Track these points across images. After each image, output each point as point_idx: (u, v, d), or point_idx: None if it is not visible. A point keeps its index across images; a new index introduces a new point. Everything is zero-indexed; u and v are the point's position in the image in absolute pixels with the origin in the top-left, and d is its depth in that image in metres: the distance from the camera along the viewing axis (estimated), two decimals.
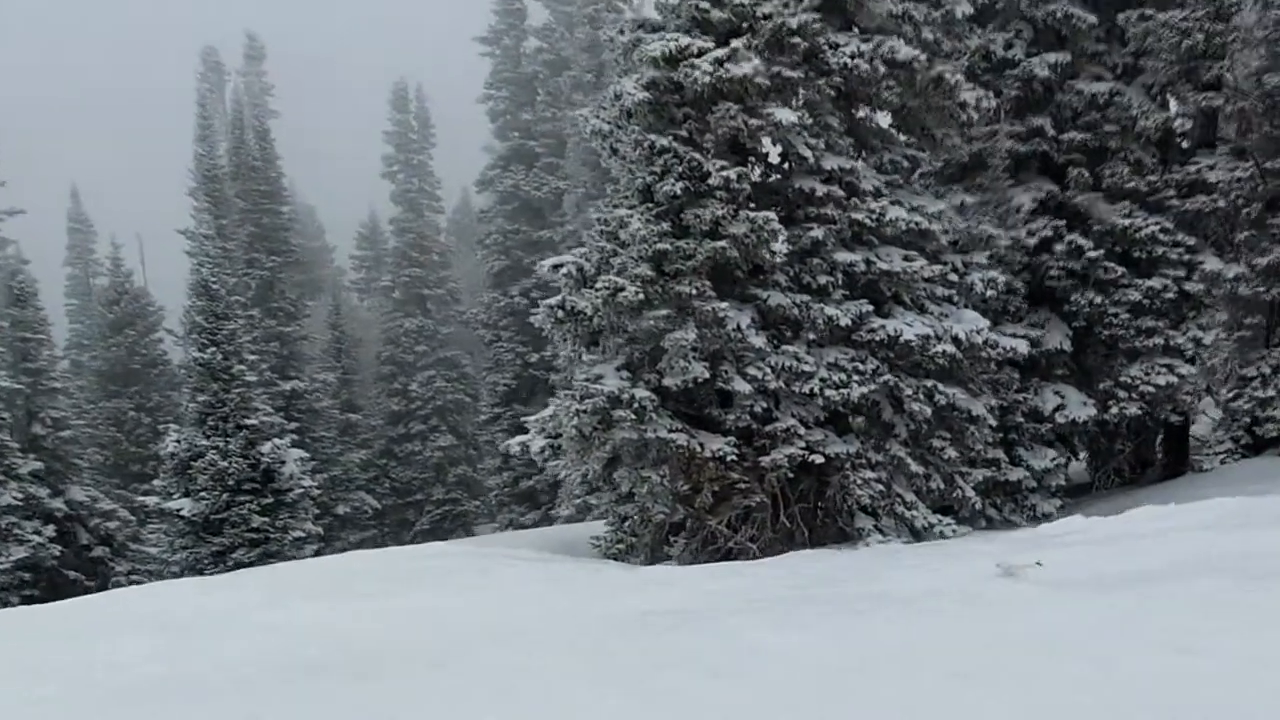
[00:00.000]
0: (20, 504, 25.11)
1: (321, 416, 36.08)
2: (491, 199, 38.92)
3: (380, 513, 37.66)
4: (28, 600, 24.05)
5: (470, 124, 43.80)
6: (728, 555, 13.74)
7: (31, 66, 78.97)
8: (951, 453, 13.82)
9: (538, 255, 35.68)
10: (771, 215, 13.02)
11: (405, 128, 43.46)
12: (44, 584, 25.05)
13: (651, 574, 10.07)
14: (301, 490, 27.13)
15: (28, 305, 28.69)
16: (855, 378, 13.30)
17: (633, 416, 13.03)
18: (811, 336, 13.48)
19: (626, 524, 14.33)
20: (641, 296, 12.88)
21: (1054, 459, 15.44)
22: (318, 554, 29.81)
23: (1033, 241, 16.35)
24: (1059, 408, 15.75)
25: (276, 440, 26.12)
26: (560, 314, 13.54)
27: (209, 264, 25.76)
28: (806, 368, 13.25)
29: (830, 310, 13.35)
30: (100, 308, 40.04)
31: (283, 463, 26.37)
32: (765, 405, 13.51)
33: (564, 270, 13.98)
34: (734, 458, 13.27)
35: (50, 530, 25.48)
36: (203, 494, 24.41)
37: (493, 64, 38.47)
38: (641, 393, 13.19)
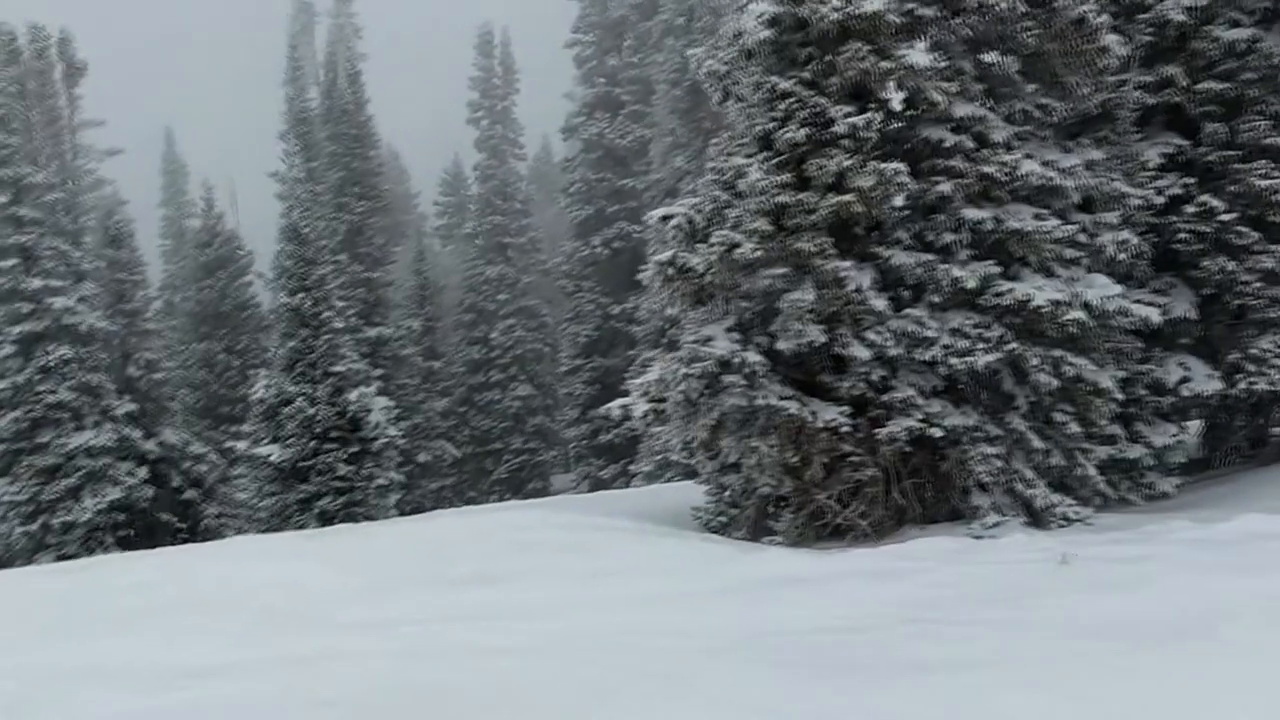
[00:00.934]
0: (115, 445, 25.61)
1: (405, 364, 36.19)
2: (575, 147, 38.23)
3: (459, 461, 37.84)
4: (122, 541, 24.63)
5: (554, 71, 43.04)
6: (836, 531, 13.06)
7: (126, 8, 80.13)
8: (1074, 428, 12.83)
9: (621, 205, 35.08)
10: (902, 167, 12.07)
11: (489, 73, 42.84)
12: (138, 525, 25.60)
13: (789, 566, 9.30)
14: (387, 439, 27.18)
15: (123, 246, 29.04)
16: (980, 345, 12.36)
17: (743, 382, 12.34)
18: (935, 300, 12.55)
19: (727, 494, 13.70)
20: (759, 254, 12.10)
21: (1175, 435, 14.31)
22: (399, 503, 30.03)
23: (1160, 201, 15.03)
24: (1183, 380, 14.56)
25: (363, 388, 26.11)
26: (670, 271, 12.83)
27: (299, 208, 25.68)
28: (929, 333, 12.36)
29: (956, 271, 12.40)
30: (192, 250, 40.65)
31: (368, 411, 26.39)
32: (882, 373, 12.68)
33: (674, 222, 13.24)
34: (847, 428, 12.51)
35: (143, 472, 25.98)
36: (290, 440, 24.56)
37: (580, 8, 37.53)
38: (753, 356, 12.48)
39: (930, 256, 12.63)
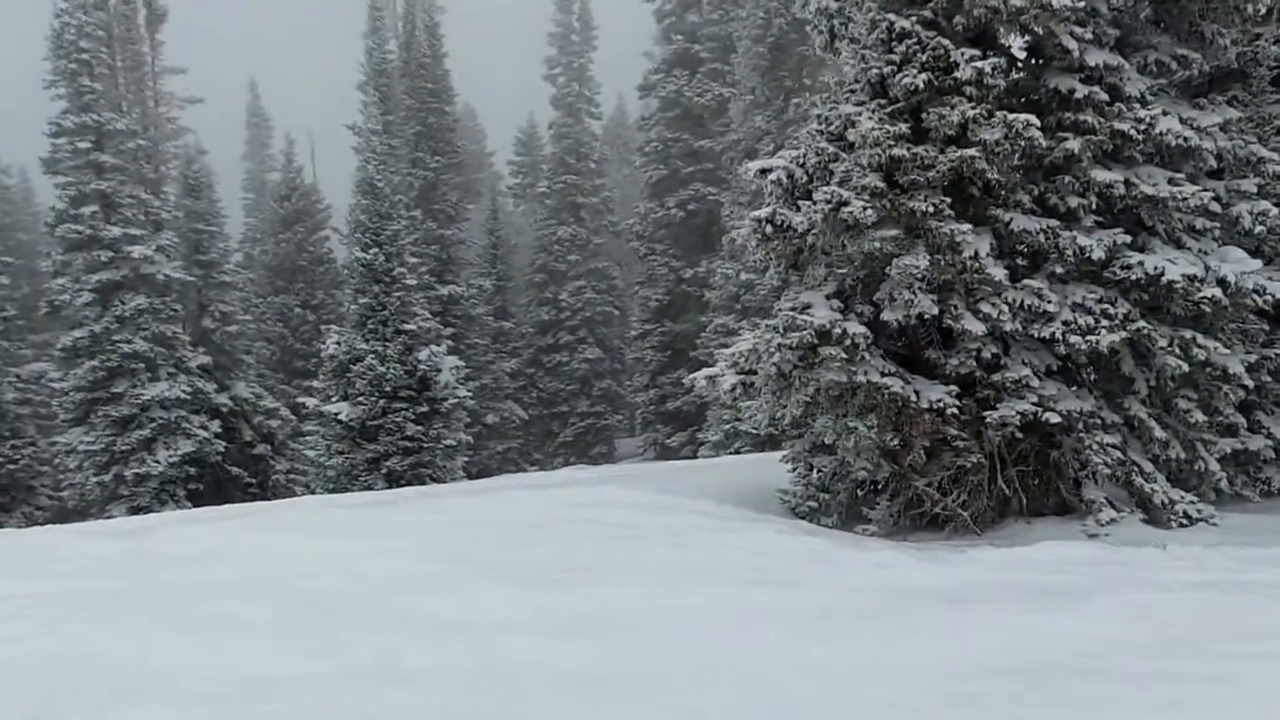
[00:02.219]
0: (188, 398, 25.68)
1: (476, 323, 35.86)
2: (652, 105, 37.20)
3: (526, 423, 37.52)
4: (193, 495, 24.73)
5: (632, 28, 41.87)
6: (934, 521, 12.12)
7: None
8: (1198, 416, 11.64)
9: (697, 166, 34.03)
10: (1033, 119, 10.93)
11: (568, 29, 41.92)
12: (208, 479, 25.69)
13: (913, 574, 8.28)
14: (455, 400, 26.84)
15: (201, 196, 29.02)
16: (1104, 322, 11.22)
17: (843, 355, 11.39)
18: (1056, 270, 11.42)
19: (816, 476, 12.81)
20: (869, 213, 11.09)
21: None
22: (465, 465, 29.76)
23: None
24: None
25: (433, 347, 25.76)
26: (768, 229, 11.89)
27: (375, 161, 25.22)
28: (1049, 307, 11.26)
29: (1082, 239, 11.25)
30: (272, 203, 40.78)
31: (438, 370, 26.06)
32: (994, 350, 11.63)
33: (773, 176, 12.27)
34: (953, 410, 11.51)
35: (216, 425, 26.04)
36: (360, 399, 24.33)
37: None
38: (854, 327, 11.52)
39: (1053, 222, 11.49)
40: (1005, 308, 11.35)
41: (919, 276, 11.34)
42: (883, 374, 11.66)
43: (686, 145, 34.68)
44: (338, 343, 24.60)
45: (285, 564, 8.02)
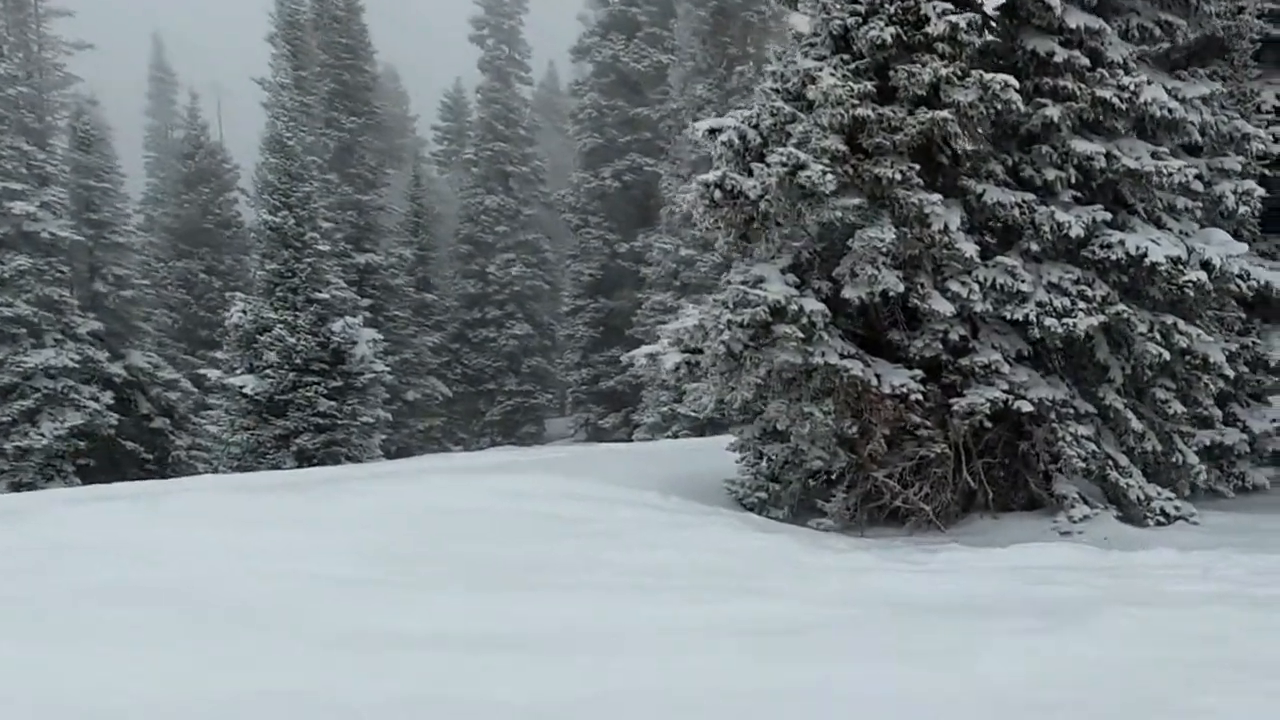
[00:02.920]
0: (77, 366, 23.57)
1: (396, 294, 34.04)
2: (586, 70, 35.71)
3: (450, 400, 35.90)
4: (83, 471, 22.71)
5: None
6: (894, 515, 11.21)
7: None
8: (1177, 407, 10.93)
9: (634, 135, 32.73)
10: (1011, 80, 9.97)
11: None
12: (100, 454, 23.66)
13: (890, 580, 7.24)
14: (373, 374, 25.24)
15: (93, 150, 26.68)
16: (1081, 304, 10.38)
17: (799, 335, 10.35)
18: (1032, 247, 10.52)
19: (766, 465, 11.78)
20: (830, 179, 10.01)
21: (1275, 420, 12.43)
22: (384, 443, 28.15)
23: (1278, 150, 12.94)
24: None
25: (348, 318, 24.10)
26: (717, 195, 10.75)
27: (285, 118, 23.33)
28: (1023, 287, 10.37)
29: (1061, 215, 10.36)
30: (175, 162, 38.19)
31: (354, 343, 24.41)
32: (962, 332, 10.70)
33: (723, 137, 11.13)
34: (917, 396, 10.56)
35: (108, 397, 23.98)
36: (268, 372, 22.57)
37: None
38: (812, 304, 10.49)
39: (1029, 195, 10.58)
40: (976, 287, 10.43)
41: (884, 250, 10.33)
42: (842, 355, 10.66)
43: (623, 113, 33.31)
44: (244, 311, 22.76)
45: (181, 562, 6.71)
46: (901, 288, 10.33)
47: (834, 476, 11.38)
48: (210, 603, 5.83)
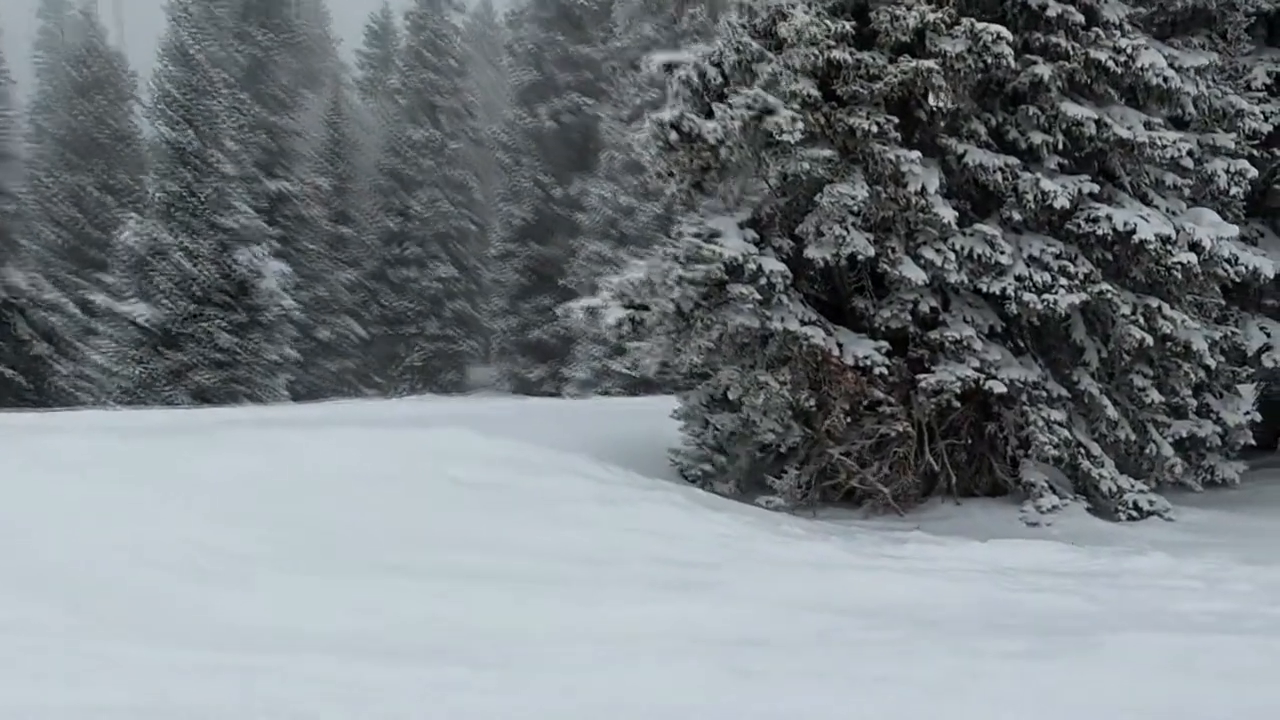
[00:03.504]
0: None
1: (309, 226, 32.01)
2: (524, 0, 33.80)
3: (366, 342, 34.15)
4: None
5: None
6: (849, 496, 10.40)
7: None
8: (1154, 395, 10.31)
9: (574, 74, 31.15)
10: (1004, 31, 9.02)
11: None
12: None
13: (866, 580, 6.25)
14: (281, 310, 23.57)
15: None
16: (1062, 281, 9.61)
17: (756, 296, 9.39)
18: (1015, 216, 9.68)
19: (712, 435, 10.83)
20: (799, 126, 8.97)
21: (1247, 412, 11.98)
22: (291, 384, 26.49)
23: (1267, 129, 12.35)
24: (1265, 348, 12.18)
25: (255, 248, 22.33)
26: (673, 136, 9.63)
27: (189, 24, 21.21)
28: (1002, 259, 9.54)
29: (1047, 184, 9.52)
30: (67, 67, 35.08)
31: (260, 276, 22.69)
32: (933, 304, 9.85)
33: (680, 73, 10.00)
34: (882, 370, 9.70)
35: None
36: (163, 300, 20.75)
37: None
38: (772, 264, 9.51)
39: (1012, 160, 9.70)
40: (951, 255, 9.55)
41: (854, 210, 9.37)
42: (802, 322, 9.73)
43: (563, 50, 31.59)
44: (136, 233, 20.79)
45: (35, 527, 5.62)
46: (872, 251, 9.39)
47: (785, 451, 10.49)
48: (26, 579, 4.78)
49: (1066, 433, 9.97)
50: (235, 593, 5.33)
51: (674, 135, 9.75)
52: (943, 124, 9.70)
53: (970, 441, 10.53)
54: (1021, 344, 10.44)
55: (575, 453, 10.16)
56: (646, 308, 10.13)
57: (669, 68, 10.37)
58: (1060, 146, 9.77)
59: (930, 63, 8.92)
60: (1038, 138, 9.72)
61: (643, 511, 7.93)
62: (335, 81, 43.97)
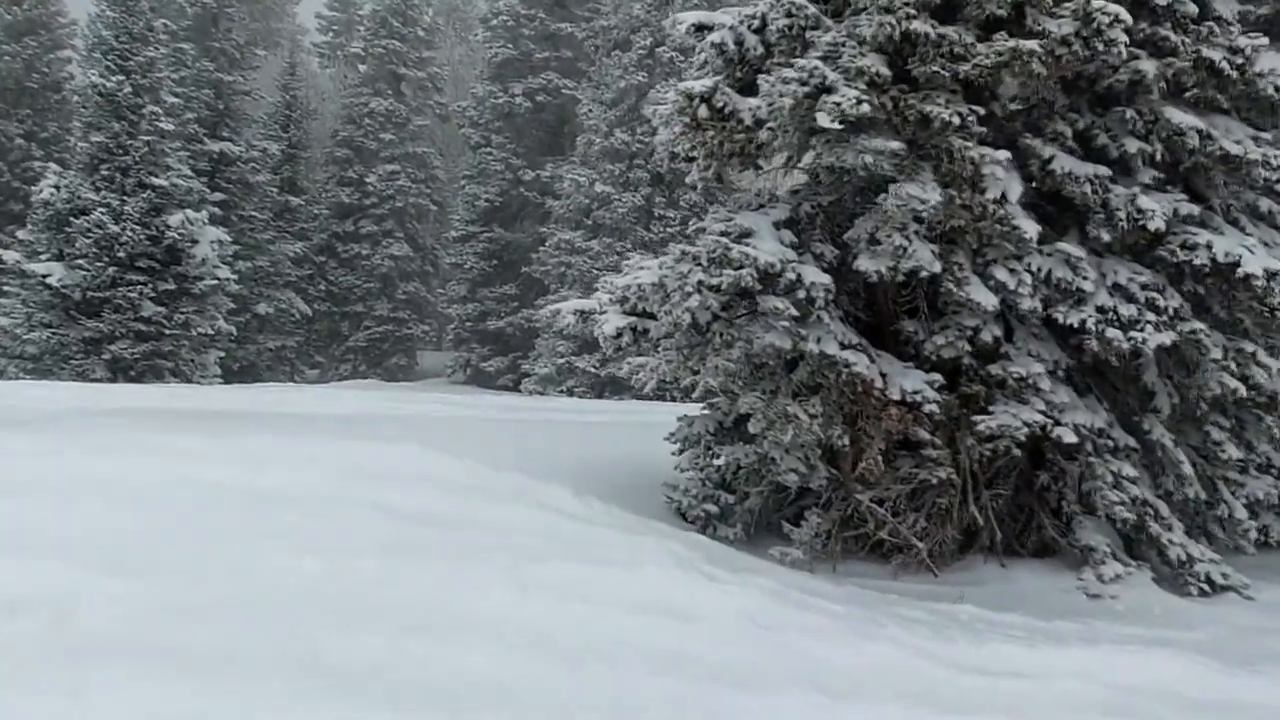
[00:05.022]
0: None
1: (255, 192, 29.77)
2: None
3: (309, 319, 31.97)
4: None
5: None
6: (876, 548, 8.84)
7: None
8: (1231, 451, 8.92)
9: (553, 52, 29.37)
10: (1123, 13, 7.51)
11: None
12: None
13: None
14: (216, 281, 21.47)
15: None
16: (1149, 315, 8.14)
17: (793, 312, 7.77)
18: (1104, 236, 8.19)
19: (716, 469, 9.20)
20: (865, 109, 7.36)
21: None
22: (224, 360, 24.37)
23: None
24: None
25: (190, 213, 20.24)
26: (703, 113, 7.97)
27: None
28: (1084, 285, 8.04)
29: (1145, 201, 8.05)
30: None
31: (194, 242, 20.58)
32: (997, 332, 8.32)
33: (714, 37, 8.37)
34: (934, 407, 8.15)
35: None
36: (80, 262, 18.58)
37: None
38: (813, 274, 7.91)
39: (1102, 169, 8.21)
40: (1027, 277, 8.03)
41: (919, 216, 7.80)
42: (843, 345, 8.13)
43: (543, 26, 29.75)
44: (56, 187, 18.54)
45: None
46: (938, 267, 7.82)
47: (810, 495, 8.89)
48: None
49: (1136, 489, 8.52)
50: (56, 696, 3.57)
51: (704, 111, 8.09)
52: (1022, 120, 8.18)
53: (1015, 492, 9.05)
54: (1083, 384, 8.97)
55: (549, 479, 8.49)
56: (653, 316, 8.47)
57: (699, 29, 8.71)
58: (1158, 157, 8.30)
59: (1033, 44, 7.37)
60: (1133, 146, 8.23)
61: (633, 571, 6.25)
62: (293, 43, 41.64)
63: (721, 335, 8.13)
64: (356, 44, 36.72)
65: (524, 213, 28.08)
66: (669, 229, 22.92)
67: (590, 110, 24.13)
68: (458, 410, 14.61)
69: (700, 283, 7.91)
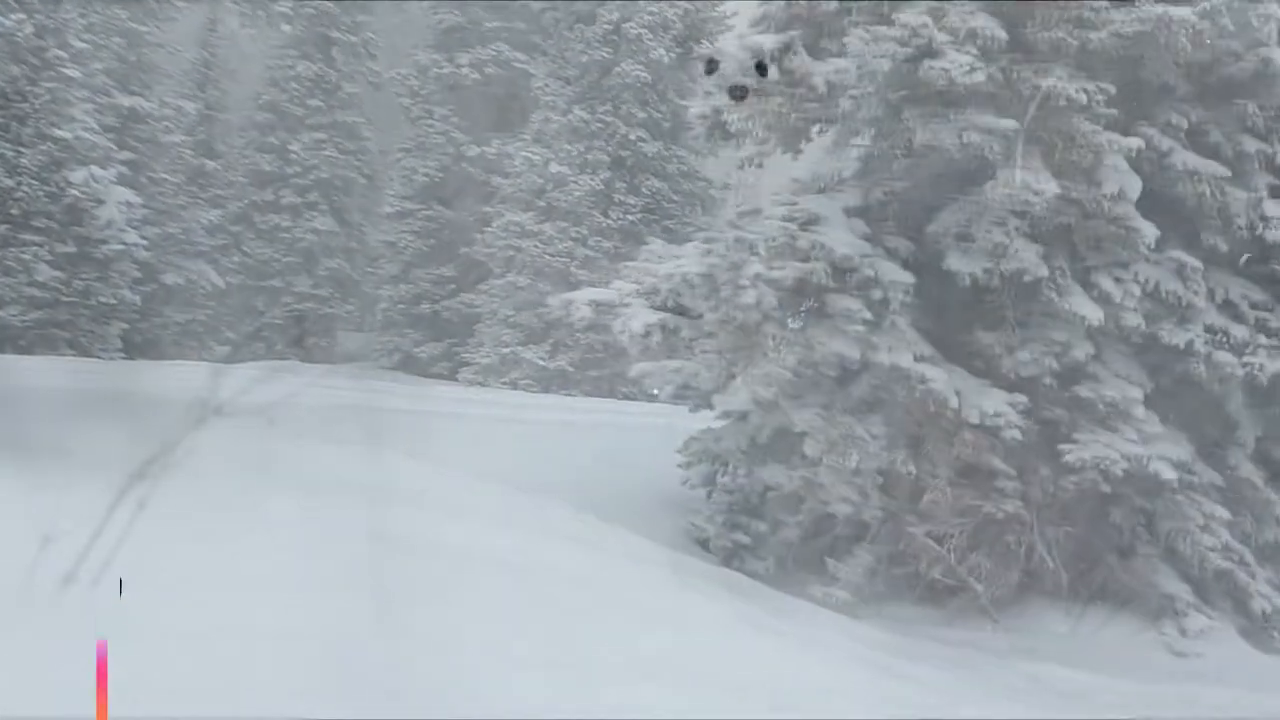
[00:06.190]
0: None
1: (166, 153, 27.13)
2: None
3: (221, 292, 29.48)
4: None
5: None
6: (930, 589, 7.68)
7: None
8: None
9: (505, 23, 27.57)
10: None
11: None
12: None
13: None
14: (122, 247, 19.25)
15: None
16: (1261, 338, 7.17)
17: (866, 315, 6.52)
18: (1221, 246, 7.17)
19: (743, 493, 7.89)
20: (979, 77, 6.15)
21: None
22: (128, 333, 22.05)
23: None
24: None
25: (96, 169, 18.03)
26: (772, 74, 6.63)
27: None
28: (1195, 299, 7.01)
29: (1271, 208, 7.07)
30: None
31: (99, 202, 18.34)
32: (1090, 349, 7.22)
33: None
34: (1016, 432, 7.01)
35: None
36: None
37: None
38: (893, 272, 6.70)
39: (1219, 168, 7.18)
40: (1136, 288, 6.94)
41: (1019, 211, 6.63)
42: (916, 357, 6.92)
43: None
44: None
45: None
46: (1044, 271, 6.67)
47: (858, 528, 7.65)
48: None
49: (1226, 534, 7.56)
50: None
51: (773, 72, 6.74)
52: (1142, 105, 7.09)
53: (1083, 531, 8.00)
54: (1165, 412, 7.98)
55: (544, 494, 7.08)
56: (686, 312, 7.13)
57: None
58: (1277, 161, 7.32)
59: (1186, 11, 6.23)
60: (1251, 145, 7.22)
61: (668, 628, 4.88)
62: None
63: (772, 338, 6.85)
64: (284, 3, 34.15)
65: (466, 189, 26.27)
66: (629, 216, 21.51)
67: (546, 85, 22.50)
68: (415, 402, 12.97)
69: (758, 275, 6.61)
